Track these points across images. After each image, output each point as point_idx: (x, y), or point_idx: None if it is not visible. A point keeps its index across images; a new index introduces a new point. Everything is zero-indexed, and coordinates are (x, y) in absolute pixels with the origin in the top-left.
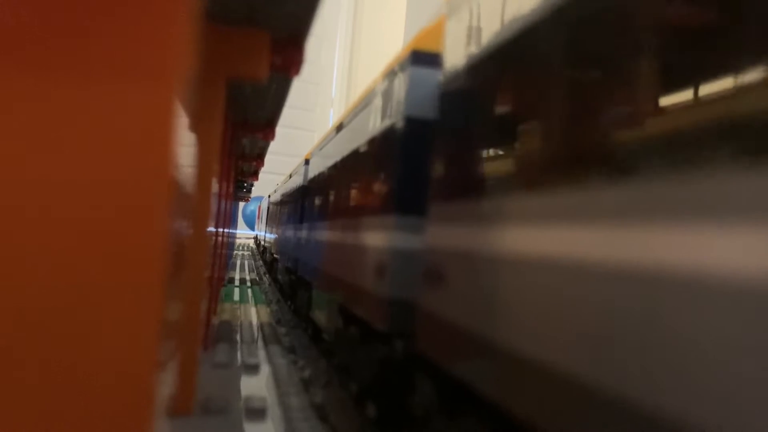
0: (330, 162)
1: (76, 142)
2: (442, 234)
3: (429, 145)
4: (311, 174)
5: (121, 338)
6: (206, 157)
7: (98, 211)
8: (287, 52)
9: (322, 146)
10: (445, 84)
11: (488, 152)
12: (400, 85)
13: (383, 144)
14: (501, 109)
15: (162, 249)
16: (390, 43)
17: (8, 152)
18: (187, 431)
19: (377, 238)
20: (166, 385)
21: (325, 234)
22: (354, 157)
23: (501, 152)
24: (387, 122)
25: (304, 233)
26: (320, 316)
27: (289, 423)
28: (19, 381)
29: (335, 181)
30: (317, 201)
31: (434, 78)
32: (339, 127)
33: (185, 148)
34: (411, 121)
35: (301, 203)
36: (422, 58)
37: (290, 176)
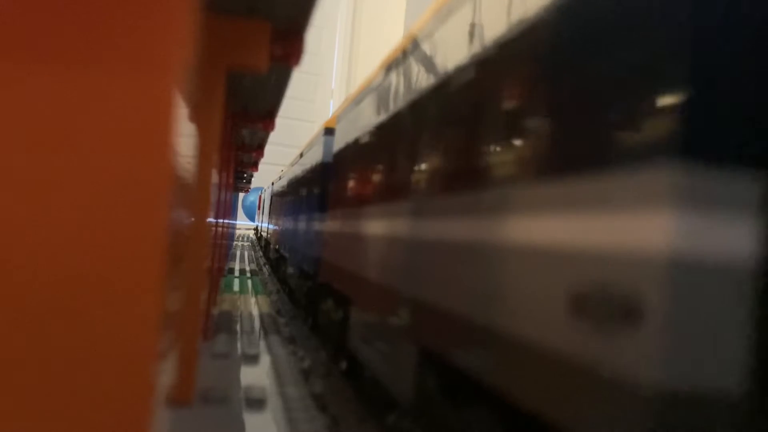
0: (390, 116)
1: (75, 133)
2: None
3: None
4: (341, 145)
5: (122, 329)
6: (206, 148)
7: (98, 202)
8: (287, 42)
9: (360, 99)
10: None
11: None
12: None
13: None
14: None
15: (162, 240)
16: (390, 34)
17: (7, 142)
18: (187, 421)
19: (587, 233)
20: (166, 375)
21: (382, 226)
22: (473, 86)
23: None
24: None
25: (330, 226)
26: (376, 361)
27: (288, 413)
28: (20, 371)
29: (413, 140)
30: (362, 180)
31: None
32: (389, 67)
33: (185, 139)
34: None
35: (323, 187)
36: None
37: (301, 155)
